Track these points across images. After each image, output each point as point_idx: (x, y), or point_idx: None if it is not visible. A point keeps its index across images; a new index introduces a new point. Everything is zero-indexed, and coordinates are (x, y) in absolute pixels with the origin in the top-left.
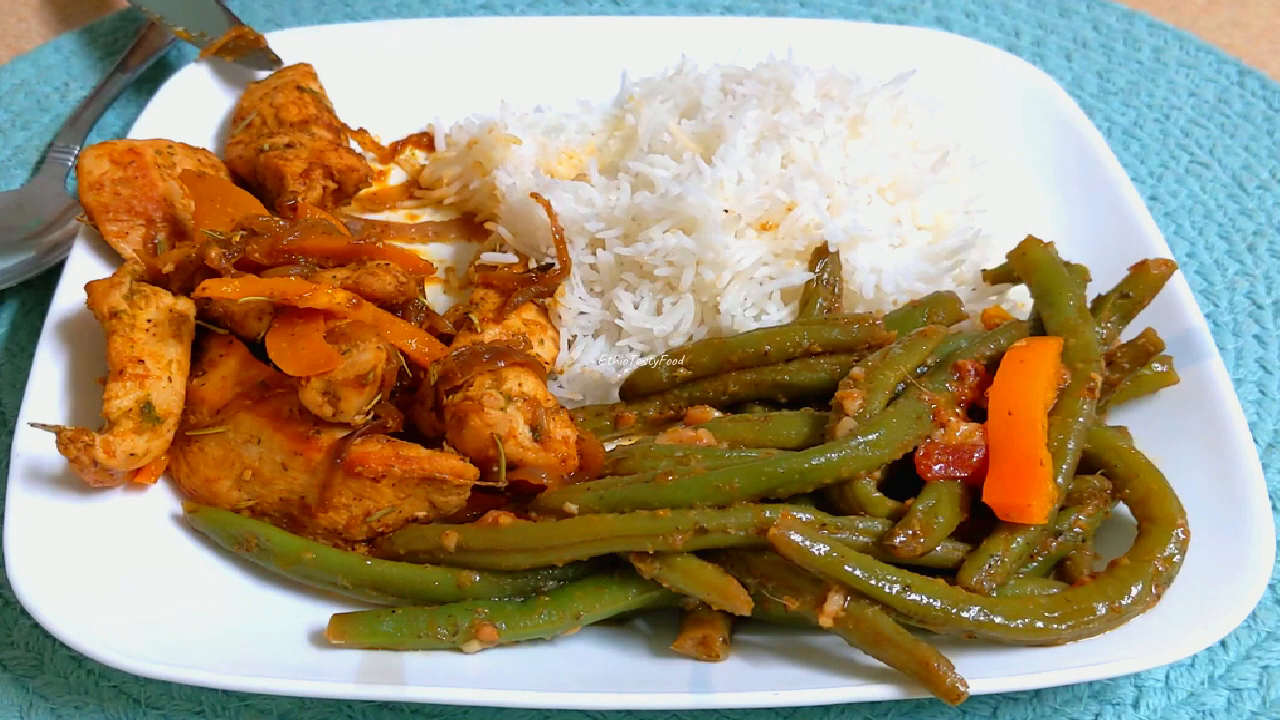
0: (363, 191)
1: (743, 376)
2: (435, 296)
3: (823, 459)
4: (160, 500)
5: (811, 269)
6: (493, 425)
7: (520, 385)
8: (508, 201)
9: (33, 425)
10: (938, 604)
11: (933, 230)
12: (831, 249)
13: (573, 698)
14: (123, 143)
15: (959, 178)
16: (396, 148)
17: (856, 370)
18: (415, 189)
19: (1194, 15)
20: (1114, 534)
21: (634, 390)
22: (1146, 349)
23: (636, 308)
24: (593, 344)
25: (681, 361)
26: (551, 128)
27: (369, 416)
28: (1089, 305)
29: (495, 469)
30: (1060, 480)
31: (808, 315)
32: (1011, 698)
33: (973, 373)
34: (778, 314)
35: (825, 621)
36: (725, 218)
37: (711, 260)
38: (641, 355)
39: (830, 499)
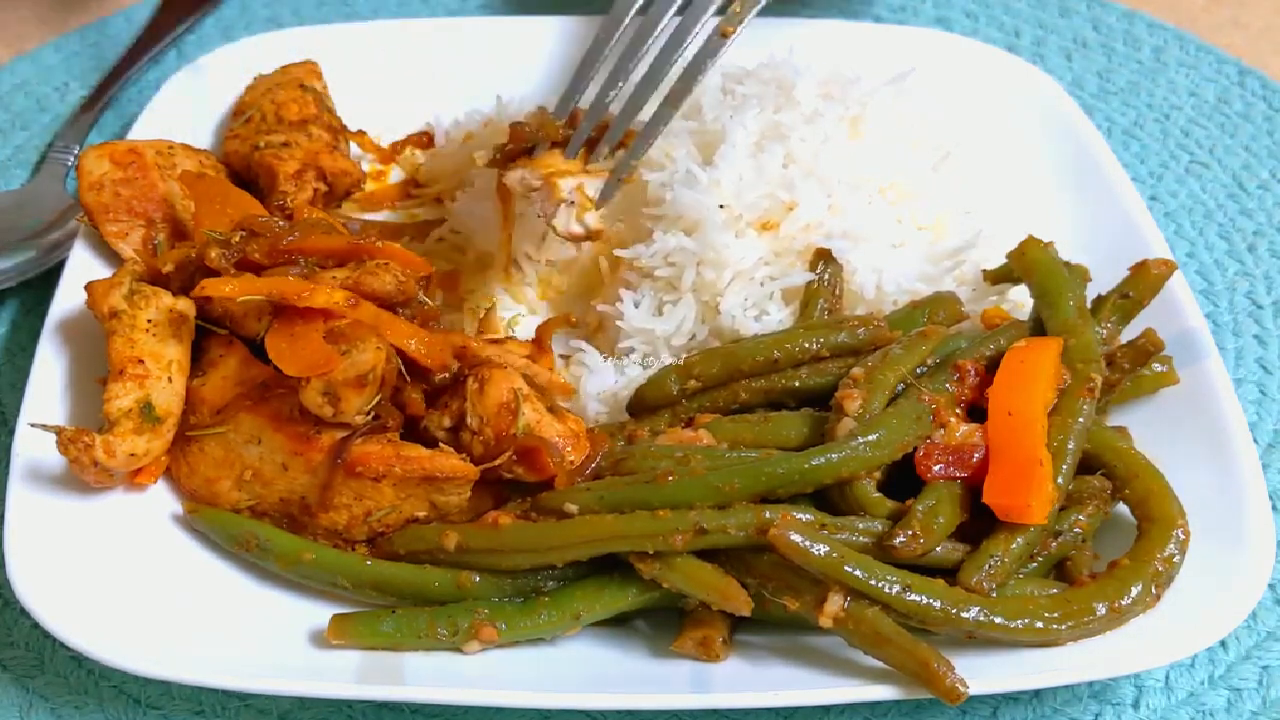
0: (363, 190)
1: (753, 384)
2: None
3: (823, 459)
4: (160, 500)
5: (812, 270)
6: (515, 385)
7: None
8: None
9: (33, 425)
10: (938, 604)
11: (933, 230)
12: (834, 250)
13: (573, 698)
14: (123, 143)
15: (959, 178)
16: (396, 148)
17: (856, 370)
18: (414, 188)
19: (1194, 15)
20: (1114, 534)
21: (643, 404)
22: (1146, 349)
23: (637, 307)
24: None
25: (691, 373)
26: None
27: (369, 416)
28: (1089, 305)
29: (513, 431)
30: (1060, 480)
31: (809, 316)
32: (1011, 698)
33: (973, 373)
34: (778, 314)
35: (825, 622)
36: (725, 217)
37: (712, 260)
38: (644, 357)
39: (830, 499)
